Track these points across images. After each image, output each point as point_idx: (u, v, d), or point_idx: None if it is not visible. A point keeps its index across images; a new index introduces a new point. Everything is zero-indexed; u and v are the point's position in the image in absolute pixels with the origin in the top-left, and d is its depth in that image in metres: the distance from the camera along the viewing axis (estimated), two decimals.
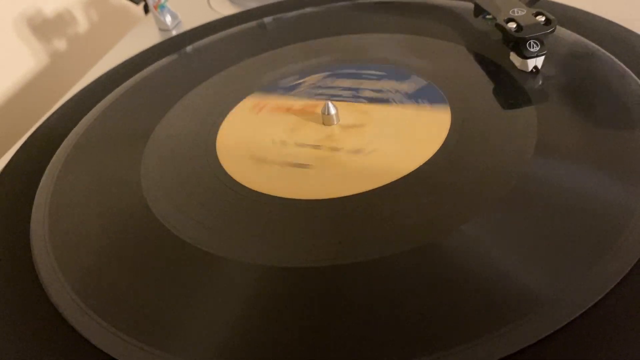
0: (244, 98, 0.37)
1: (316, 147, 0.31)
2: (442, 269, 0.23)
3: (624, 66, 0.32)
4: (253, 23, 0.48)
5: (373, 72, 0.37)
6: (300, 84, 0.37)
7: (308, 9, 0.48)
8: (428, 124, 0.31)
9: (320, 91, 0.36)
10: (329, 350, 0.21)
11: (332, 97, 0.35)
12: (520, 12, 0.33)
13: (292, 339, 0.21)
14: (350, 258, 0.24)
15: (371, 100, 0.34)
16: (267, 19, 0.48)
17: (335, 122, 0.33)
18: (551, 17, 0.32)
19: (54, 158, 0.35)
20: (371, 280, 0.23)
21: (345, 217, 0.26)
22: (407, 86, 0.35)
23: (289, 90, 0.37)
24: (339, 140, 0.32)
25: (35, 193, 0.33)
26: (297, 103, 0.35)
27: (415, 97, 0.34)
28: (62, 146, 0.37)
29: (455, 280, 0.22)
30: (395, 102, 0.34)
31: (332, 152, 0.31)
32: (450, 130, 0.30)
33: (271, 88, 0.38)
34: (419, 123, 0.32)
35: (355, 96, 0.35)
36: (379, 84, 0.36)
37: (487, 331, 0.20)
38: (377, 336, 0.21)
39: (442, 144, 0.29)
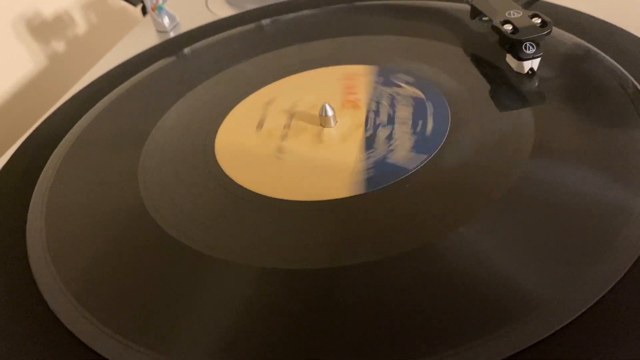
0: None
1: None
2: (440, 270, 0.23)
3: (620, 67, 0.32)
4: (251, 25, 0.48)
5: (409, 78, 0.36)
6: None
7: (306, 11, 0.48)
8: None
9: None
10: (325, 353, 0.21)
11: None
12: (516, 14, 0.33)
13: (289, 341, 0.21)
14: (348, 260, 0.24)
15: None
16: (265, 21, 0.48)
17: (333, 124, 0.33)
18: (547, 19, 0.32)
19: (51, 159, 0.35)
20: (369, 282, 0.23)
21: (343, 219, 0.26)
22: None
23: None
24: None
25: (32, 194, 0.33)
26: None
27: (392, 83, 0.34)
28: (59, 147, 0.37)
29: (452, 282, 0.22)
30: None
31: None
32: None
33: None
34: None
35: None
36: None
37: (485, 333, 0.20)
38: (374, 339, 0.21)
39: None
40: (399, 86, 0.35)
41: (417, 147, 0.29)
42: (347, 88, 0.36)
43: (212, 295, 0.24)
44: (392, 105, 0.33)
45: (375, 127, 0.32)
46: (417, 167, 0.28)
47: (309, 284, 0.23)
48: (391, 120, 0.32)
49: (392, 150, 0.30)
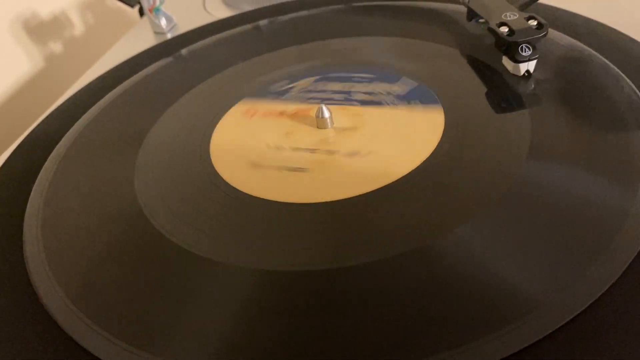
0: (238, 102, 0.37)
1: (312, 150, 0.32)
2: (438, 272, 0.23)
3: (617, 69, 0.32)
4: (248, 26, 0.48)
5: (363, 75, 0.37)
6: (291, 88, 0.37)
7: (303, 12, 0.48)
8: (422, 126, 0.31)
9: (311, 95, 0.36)
10: (324, 355, 0.21)
11: (324, 101, 0.35)
12: (512, 16, 0.33)
13: (288, 344, 0.21)
14: (345, 262, 0.24)
15: (363, 102, 0.35)
16: (263, 22, 0.48)
17: (330, 126, 0.33)
18: (543, 21, 0.33)
19: (49, 161, 0.35)
20: (366, 284, 0.23)
21: (341, 221, 0.26)
22: (398, 88, 0.35)
23: (280, 95, 0.37)
24: (334, 143, 0.32)
25: (29, 196, 0.33)
26: (289, 107, 0.35)
27: (407, 99, 0.34)
28: (56, 149, 0.37)
29: (450, 284, 0.22)
30: (388, 104, 0.34)
31: (328, 155, 0.31)
32: (444, 133, 0.30)
33: (262, 93, 0.38)
34: (413, 125, 0.32)
35: (348, 99, 0.35)
36: (370, 87, 0.36)
37: (482, 334, 0.20)
38: (373, 340, 0.21)
39: (436, 147, 0.29)
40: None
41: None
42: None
43: (210, 298, 0.24)
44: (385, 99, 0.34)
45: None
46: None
47: (307, 286, 0.23)
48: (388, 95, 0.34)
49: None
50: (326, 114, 0.33)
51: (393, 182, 0.28)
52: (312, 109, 0.34)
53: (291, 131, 0.33)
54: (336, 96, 0.36)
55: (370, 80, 0.36)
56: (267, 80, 0.39)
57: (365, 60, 0.39)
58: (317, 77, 0.38)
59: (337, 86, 0.36)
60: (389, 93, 0.35)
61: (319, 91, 0.36)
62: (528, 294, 0.21)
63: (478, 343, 0.20)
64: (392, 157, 0.30)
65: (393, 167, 0.29)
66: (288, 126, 0.34)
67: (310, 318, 0.22)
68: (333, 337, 0.21)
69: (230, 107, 0.37)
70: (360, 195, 0.27)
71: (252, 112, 0.36)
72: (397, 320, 0.21)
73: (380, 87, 0.36)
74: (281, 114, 0.35)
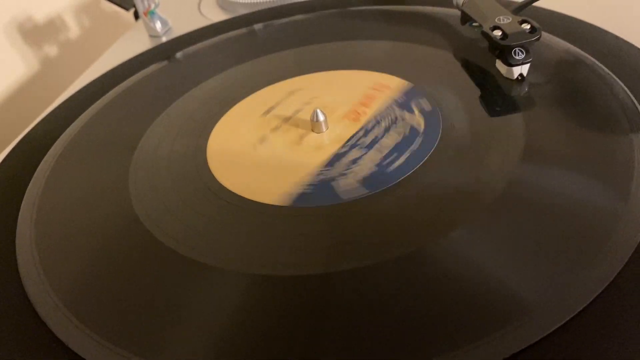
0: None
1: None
2: (432, 275, 0.23)
3: (609, 72, 0.33)
4: (243, 29, 0.48)
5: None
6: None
7: (299, 16, 0.48)
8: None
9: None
10: (319, 357, 0.21)
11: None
12: (505, 20, 0.34)
13: (283, 349, 0.21)
14: (340, 266, 0.24)
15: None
16: (258, 26, 0.48)
17: (325, 130, 0.33)
18: (536, 25, 0.33)
19: (42, 164, 0.35)
20: (361, 288, 0.23)
21: (335, 224, 0.26)
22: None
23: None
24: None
25: (22, 200, 0.33)
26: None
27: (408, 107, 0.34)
28: (50, 152, 0.36)
29: (444, 287, 0.22)
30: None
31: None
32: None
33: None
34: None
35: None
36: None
37: (477, 337, 0.20)
38: (367, 344, 0.21)
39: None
40: (411, 112, 0.33)
41: (367, 181, 0.28)
42: (365, 98, 0.35)
43: (204, 302, 0.24)
44: (387, 129, 0.32)
45: (353, 146, 0.31)
46: (350, 199, 0.27)
47: (301, 290, 0.23)
48: (372, 144, 0.31)
49: (344, 175, 0.29)
50: (320, 117, 0.33)
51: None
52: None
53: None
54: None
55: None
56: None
57: (363, 64, 0.39)
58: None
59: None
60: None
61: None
62: (522, 297, 0.21)
63: (473, 346, 0.20)
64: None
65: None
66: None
67: (305, 323, 0.22)
68: (328, 342, 0.21)
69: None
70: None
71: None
72: (392, 324, 0.21)
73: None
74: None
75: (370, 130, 0.32)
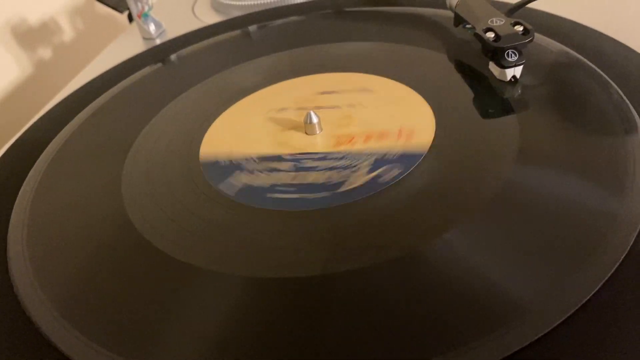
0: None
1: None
2: (427, 277, 0.23)
3: (603, 74, 0.33)
4: (237, 32, 0.48)
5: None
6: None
7: (293, 18, 0.48)
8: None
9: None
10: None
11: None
12: (498, 21, 0.34)
13: (278, 352, 0.21)
14: (335, 268, 0.24)
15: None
16: (252, 28, 0.48)
17: (318, 132, 0.33)
18: (529, 26, 0.33)
19: (35, 167, 0.35)
20: (356, 291, 0.23)
21: (328, 228, 0.26)
22: None
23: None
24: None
25: (14, 203, 0.32)
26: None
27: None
28: (42, 155, 0.36)
29: (438, 289, 0.22)
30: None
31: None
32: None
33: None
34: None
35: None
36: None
37: (470, 340, 0.20)
38: (363, 346, 0.21)
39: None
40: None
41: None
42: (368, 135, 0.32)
43: (199, 306, 0.24)
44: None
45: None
46: (346, 201, 0.27)
47: (297, 293, 0.23)
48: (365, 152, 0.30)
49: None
50: (314, 119, 0.33)
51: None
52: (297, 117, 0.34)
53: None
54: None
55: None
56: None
57: (356, 65, 0.39)
58: None
59: None
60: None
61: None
62: (517, 298, 0.21)
63: (467, 348, 0.20)
64: None
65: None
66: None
67: (301, 326, 0.22)
68: (322, 345, 0.21)
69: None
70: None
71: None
72: (389, 326, 0.21)
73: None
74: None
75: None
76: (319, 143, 0.32)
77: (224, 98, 0.38)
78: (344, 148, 0.31)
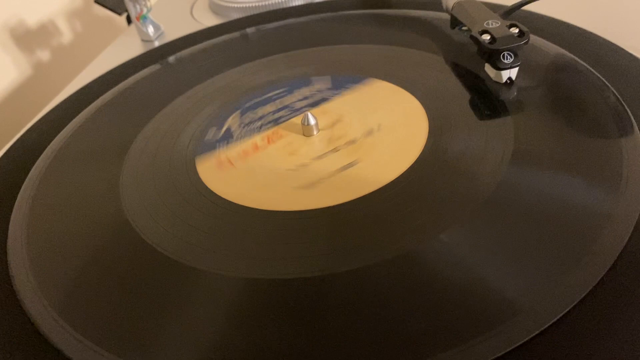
0: (196, 159, 0.35)
1: (293, 154, 0.32)
2: (421, 278, 0.23)
3: (599, 75, 0.33)
4: (236, 34, 0.48)
5: (278, 91, 0.38)
6: (228, 131, 0.35)
7: (290, 20, 0.49)
8: (405, 134, 0.32)
9: (258, 124, 0.35)
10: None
11: (278, 121, 0.35)
12: (494, 24, 0.34)
13: (276, 353, 0.21)
14: (331, 269, 0.24)
15: (314, 104, 0.36)
16: (250, 30, 0.48)
17: (315, 132, 0.33)
18: (525, 29, 0.33)
19: (34, 170, 0.35)
20: (350, 291, 0.23)
21: (326, 228, 0.27)
22: (320, 85, 0.37)
23: (226, 140, 0.34)
24: (319, 150, 0.32)
25: (13, 206, 0.32)
26: (256, 139, 0.34)
27: (338, 88, 0.35)
28: (41, 158, 0.36)
29: (431, 290, 0.22)
30: (334, 97, 0.35)
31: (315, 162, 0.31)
32: (427, 140, 0.31)
33: (208, 147, 0.34)
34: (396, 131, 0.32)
35: (295, 110, 0.36)
36: (297, 95, 0.37)
37: (466, 339, 0.20)
38: (358, 346, 0.21)
39: (420, 154, 0.30)
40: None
41: None
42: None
43: (196, 308, 0.24)
44: None
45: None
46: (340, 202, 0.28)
47: (294, 293, 0.24)
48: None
49: None
50: (312, 121, 0.33)
51: (376, 190, 0.28)
52: (280, 130, 0.34)
53: (276, 139, 0.34)
54: (282, 113, 0.36)
55: (290, 91, 0.37)
56: (194, 136, 0.35)
57: (352, 67, 0.39)
58: (239, 111, 0.37)
59: (268, 108, 0.36)
60: (318, 91, 0.36)
61: (259, 119, 0.36)
62: (510, 298, 0.21)
63: (460, 349, 0.20)
64: (375, 166, 0.30)
65: (376, 175, 0.29)
66: (271, 135, 0.34)
67: (296, 326, 0.22)
68: (320, 346, 0.21)
69: (217, 115, 0.37)
70: (345, 203, 0.28)
71: (227, 162, 0.33)
72: (380, 327, 0.21)
73: (304, 91, 0.37)
74: (255, 148, 0.34)
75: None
76: (316, 144, 0.33)
77: (222, 100, 0.39)
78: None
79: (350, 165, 0.30)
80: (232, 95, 0.39)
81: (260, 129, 0.35)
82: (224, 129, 0.36)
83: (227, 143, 0.34)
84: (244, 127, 0.35)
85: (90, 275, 0.26)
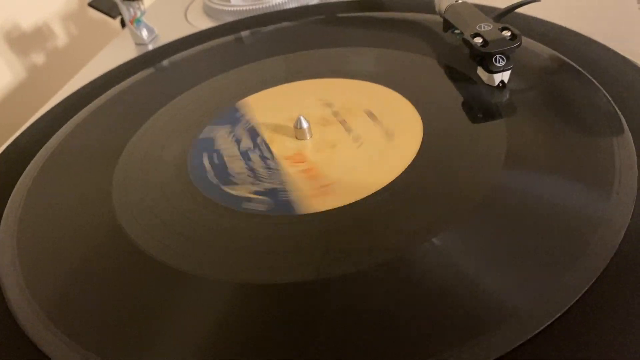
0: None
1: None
2: (414, 281, 0.23)
3: (591, 78, 0.33)
4: (230, 37, 0.48)
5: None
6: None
7: (285, 23, 0.49)
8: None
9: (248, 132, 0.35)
10: None
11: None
12: (486, 27, 0.34)
13: (272, 358, 0.21)
14: (325, 274, 0.24)
15: None
16: (244, 33, 0.48)
17: (308, 137, 0.33)
18: (517, 32, 0.33)
19: (26, 173, 0.35)
20: (343, 295, 0.23)
21: (318, 233, 0.27)
22: None
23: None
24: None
25: (4, 208, 0.32)
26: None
27: None
28: (33, 161, 0.36)
29: (426, 293, 0.22)
30: None
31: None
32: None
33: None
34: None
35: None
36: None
37: (459, 342, 0.20)
38: (351, 351, 0.21)
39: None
40: None
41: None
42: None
43: (189, 313, 0.24)
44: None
45: None
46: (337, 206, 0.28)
47: (288, 297, 0.24)
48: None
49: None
50: (304, 124, 0.33)
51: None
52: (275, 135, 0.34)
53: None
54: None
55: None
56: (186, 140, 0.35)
57: (348, 69, 0.39)
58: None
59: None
60: None
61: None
62: (504, 301, 0.21)
63: (455, 352, 0.20)
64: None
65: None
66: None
67: (290, 331, 0.22)
68: (316, 350, 0.21)
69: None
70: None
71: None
72: (373, 331, 0.21)
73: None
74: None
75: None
76: (309, 148, 0.33)
77: (216, 103, 0.38)
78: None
79: (344, 169, 0.30)
80: (226, 98, 0.39)
81: (256, 135, 0.35)
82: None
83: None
84: (233, 137, 0.35)
85: (82, 279, 0.26)
